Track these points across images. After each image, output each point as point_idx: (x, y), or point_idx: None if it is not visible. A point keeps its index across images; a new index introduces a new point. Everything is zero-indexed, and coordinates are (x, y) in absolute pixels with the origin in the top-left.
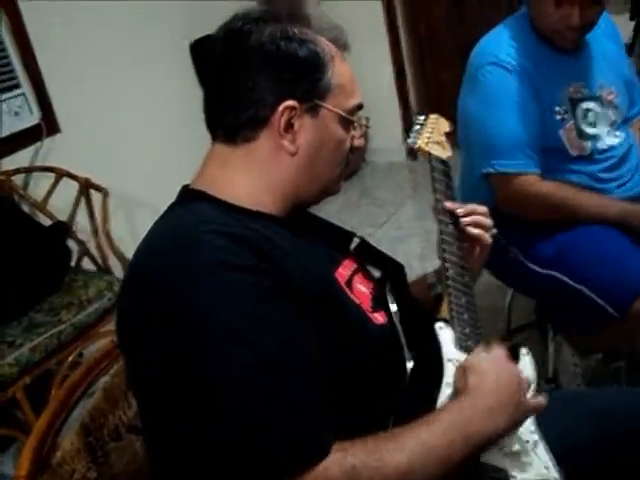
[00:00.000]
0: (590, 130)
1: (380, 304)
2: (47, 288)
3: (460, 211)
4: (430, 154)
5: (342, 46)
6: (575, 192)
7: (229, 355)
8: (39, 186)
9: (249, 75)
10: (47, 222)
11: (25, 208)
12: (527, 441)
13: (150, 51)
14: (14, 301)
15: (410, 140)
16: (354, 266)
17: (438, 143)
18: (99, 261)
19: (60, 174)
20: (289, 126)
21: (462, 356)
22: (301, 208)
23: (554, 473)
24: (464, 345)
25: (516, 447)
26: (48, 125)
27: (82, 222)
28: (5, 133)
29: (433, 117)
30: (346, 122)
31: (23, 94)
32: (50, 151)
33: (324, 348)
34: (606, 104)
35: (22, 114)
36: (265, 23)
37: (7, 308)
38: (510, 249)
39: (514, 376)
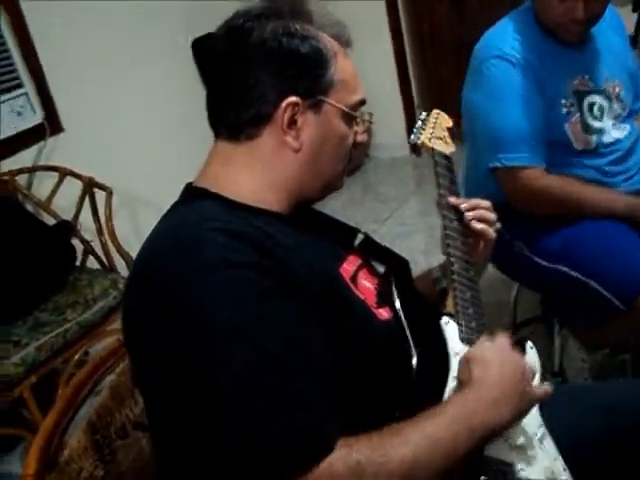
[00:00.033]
0: (595, 123)
1: (385, 300)
2: (52, 287)
3: (464, 206)
4: (433, 150)
5: (344, 42)
6: (581, 186)
7: (232, 353)
8: (43, 185)
9: (251, 72)
10: (51, 221)
11: (29, 207)
12: (534, 434)
13: (152, 50)
14: (19, 300)
15: (413, 136)
16: (359, 262)
17: (441, 138)
18: (104, 260)
19: (64, 173)
20: (292, 122)
21: (467, 350)
22: (305, 204)
23: (561, 466)
24: (469, 339)
25: (522, 440)
26: (51, 124)
27: (86, 221)
28: (8, 133)
29: (435, 113)
30: (349, 118)
31: (26, 94)
32: (53, 150)
33: (329, 344)
34: (611, 97)
35: (25, 114)
36: (267, 20)
37: (12, 307)
38: (515, 243)
39: (518, 365)
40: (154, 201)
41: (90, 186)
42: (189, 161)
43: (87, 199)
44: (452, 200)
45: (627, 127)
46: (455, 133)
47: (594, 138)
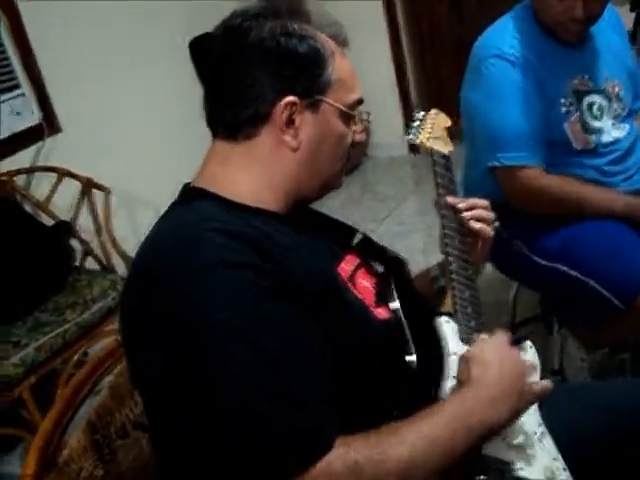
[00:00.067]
0: (595, 123)
1: (384, 299)
2: (51, 288)
3: (462, 205)
4: (432, 149)
5: (342, 42)
6: (580, 186)
7: (230, 353)
8: (41, 186)
9: (249, 72)
10: (49, 222)
11: (27, 208)
12: (534, 433)
13: (150, 51)
14: (19, 301)
15: (411, 136)
16: (357, 261)
17: (439, 138)
18: (102, 260)
19: (62, 174)
20: (290, 122)
21: (466, 349)
22: (303, 204)
23: (560, 465)
24: (468, 338)
25: (521, 439)
26: (49, 125)
27: (85, 222)
28: (6, 133)
29: (433, 112)
30: (347, 117)
31: (23, 94)
32: (52, 151)
33: (327, 343)
34: (611, 97)
35: (23, 114)
36: (265, 19)
37: (12, 308)
38: (514, 242)
39: (517, 364)
40: (153, 201)
41: (88, 186)
42: (188, 161)
43: (85, 200)
44: (450, 199)
45: (626, 127)
46: (454, 132)
47: (593, 138)
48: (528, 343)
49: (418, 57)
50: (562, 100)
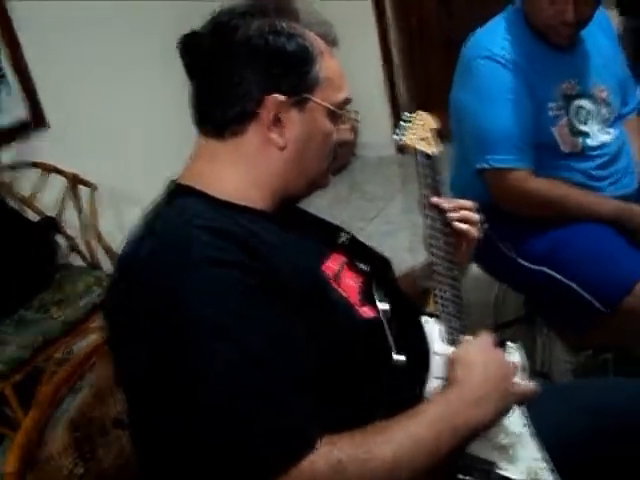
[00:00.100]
0: (582, 127)
1: (369, 298)
2: (36, 284)
3: (447, 206)
4: (416, 150)
5: (331, 41)
6: (568, 189)
7: (214, 351)
8: (27, 181)
9: (237, 69)
10: (35, 218)
11: (12, 204)
12: (517, 433)
13: (138, 47)
14: (3, 298)
15: (397, 136)
16: (342, 260)
17: (425, 139)
18: (87, 257)
19: (48, 169)
20: (277, 120)
21: (449, 349)
22: (290, 202)
23: (544, 465)
24: (451, 338)
25: (505, 440)
26: (35, 120)
27: (70, 218)
28: None
29: (420, 113)
30: (334, 116)
31: (10, 89)
32: (37, 146)
33: (311, 341)
34: (599, 101)
35: (9, 109)
36: (252, 17)
37: None
38: (501, 244)
39: (502, 365)
40: (139, 198)
41: (74, 182)
42: (174, 158)
43: (71, 195)
44: (435, 200)
45: (614, 131)
46: (443, 133)
47: (581, 141)
48: (514, 345)
49: (407, 52)
50: (550, 104)
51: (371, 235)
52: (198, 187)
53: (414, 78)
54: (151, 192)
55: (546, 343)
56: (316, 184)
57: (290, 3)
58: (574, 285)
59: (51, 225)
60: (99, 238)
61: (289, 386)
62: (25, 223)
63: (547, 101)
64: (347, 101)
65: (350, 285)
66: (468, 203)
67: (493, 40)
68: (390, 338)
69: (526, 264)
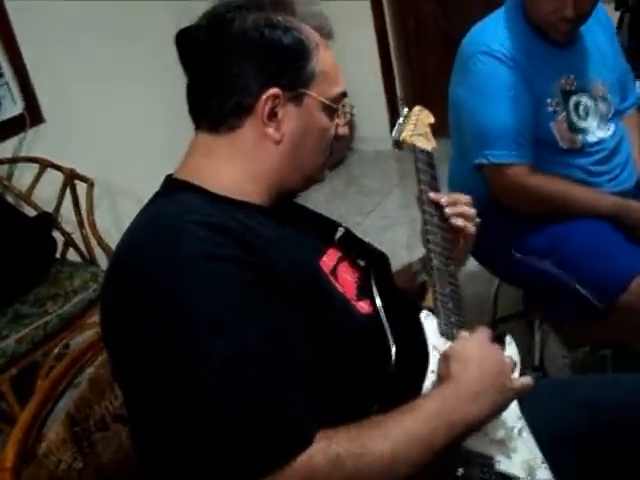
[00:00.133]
0: (581, 123)
1: (365, 293)
2: (32, 279)
3: (444, 200)
4: (414, 146)
5: (326, 34)
6: (567, 185)
7: (211, 347)
8: (23, 177)
9: (232, 63)
10: (32, 213)
11: (9, 199)
12: (513, 427)
13: (134, 42)
14: None
15: (394, 133)
16: (339, 255)
17: (422, 135)
18: (84, 252)
19: (44, 165)
20: (273, 114)
21: (447, 344)
22: (286, 197)
23: (539, 460)
24: (449, 333)
25: (502, 434)
26: (32, 115)
27: (67, 213)
28: None
29: (417, 109)
30: (330, 110)
31: (6, 84)
32: (34, 141)
33: (308, 336)
34: (597, 97)
35: (5, 104)
36: (248, 11)
37: None
38: (499, 239)
39: (498, 361)
40: (135, 193)
41: (71, 178)
42: (171, 153)
43: (68, 191)
44: (432, 195)
45: (612, 127)
46: (439, 128)
47: (579, 137)
48: (509, 339)
49: (404, 52)
50: (549, 100)
51: (368, 230)
52: (195, 182)
53: (411, 78)
54: (148, 187)
55: (544, 338)
56: (312, 179)
57: None
58: (573, 281)
59: (48, 220)
60: (96, 233)
61: (286, 381)
62: (22, 218)
63: (545, 97)
64: (343, 95)
65: (347, 280)
66: (465, 198)
67: (491, 36)
68: (388, 333)
69: (524, 259)
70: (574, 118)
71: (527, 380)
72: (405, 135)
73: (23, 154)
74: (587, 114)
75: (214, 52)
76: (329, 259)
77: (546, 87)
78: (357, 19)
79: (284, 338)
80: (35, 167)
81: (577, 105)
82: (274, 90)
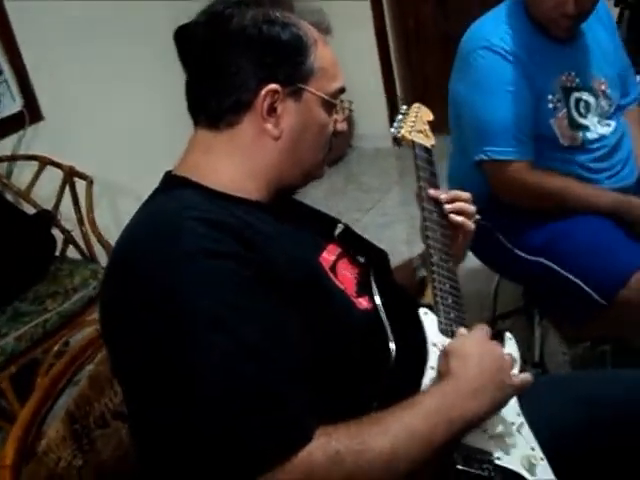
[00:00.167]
0: (581, 120)
1: (365, 289)
2: (32, 277)
3: (443, 197)
4: (413, 142)
5: (324, 30)
6: (567, 181)
7: (210, 343)
8: (23, 174)
9: (231, 59)
10: (31, 211)
11: (9, 197)
12: (512, 423)
13: (134, 39)
14: None
15: (393, 129)
16: (338, 251)
17: (421, 132)
18: (84, 249)
19: (44, 162)
20: (272, 110)
21: (446, 341)
22: (285, 193)
23: (538, 455)
24: (448, 330)
25: (500, 429)
26: (31, 113)
27: (66, 210)
28: None
29: (415, 106)
30: (329, 105)
31: (5, 81)
32: (33, 139)
33: (307, 333)
34: (598, 94)
35: (4, 102)
36: (246, 7)
37: None
38: (499, 235)
39: (497, 358)
40: (135, 190)
41: (70, 175)
42: (170, 150)
43: (67, 188)
44: (432, 192)
45: (613, 123)
46: (439, 124)
47: (580, 134)
48: (508, 335)
49: (403, 53)
50: (549, 96)
51: (367, 226)
52: (194, 179)
53: (411, 79)
54: (147, 184)
55: (544, 335)
56: (311, 175)
57: None
58: (572, 277)
59: (47, 218)
60: (95, 231)
61: (285, 377)
62: (21, 216)
63: (546, 93)
64: (341, 90)
65: (346, 276)
66: (464, 194)
67: (492, 31)
68: (387, 329)
69: (524, 255)
70: (575, 115)
71: (526, 376)
72: (404, 132)
73: (22, 152)
74: (588, 111)
75: (213, 48)
76: (329, 255)
77: (547, 83)
78: (357, 19)
79: (283, 334)
80: (34, 165)
81: (578, 102)
82: (273, 85)
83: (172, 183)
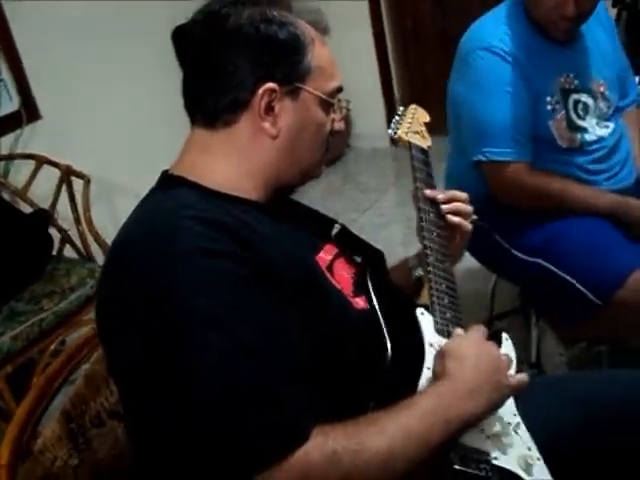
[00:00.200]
0: (580, 122)
1: (361, 289)
2: (28, 276)
3: (441, 197)
4: (410, 143)
5: (322, 29)
6: (565, 183)
7: (207, 342)
8: (20, 173)
9: (228, 58)
10: (28, 210)
11: (5, 196)
12: (509, 423)
13: (131, 38)
14: None
15: (390, 130)
16: (335, 251)
17: (418, 133)
18: (81, 249)
19: (41, 161)
20: (269, 109)
21: (443, 341)
22: (283, 193)
23: (534, 455)
24: (445, 330)
25: (497, 428)
26: (28, 112)
27: (63, 209)
28: None
29: (412, 107)
30: (326, 105)
31: (2, 80)
32: (30, 138)
33: (304, 332)
34: (597, 96)
35: (1, 101)
36: (243, 6)
37: None
38: (496, 236)
39: (494, 358)
40: (132, 190)
41: (67, 174)
42: (167, 149)
43: (64, 187)
44: (428, 192)
45: (611, 125)
46: (437, 125)
47: (579, 136)
48: (505, 336)
49: (401, 53)
50: (548, 98)
51: (364, 227)
52: (191, 178)
53: (409, 79)
54: (144, 184)
55: (540, 335)
56: (309, 174)
57: None
58: (568, 277)
59: (44, 217)
60: (92, 230)
61: (282, 377)
62: (18, 215)
63: (545, 95)
64: (339, 90)
65: (343, 276)
66: (461, 194)
67: (491, 32)
68: (384, 329)
69: (521, 255)
70: (573, 117)
71: (523, 377)
72: (401, 133)
73: (19, 151)
74: (586, 112)
75: (209, 47)
76: (325, 255)
77: (545, 85)
78: (355, 19)
79: (280, 334)
80: (31, 164)
81: (576, 104)
82: (270, 84)
83: (169, 182)
